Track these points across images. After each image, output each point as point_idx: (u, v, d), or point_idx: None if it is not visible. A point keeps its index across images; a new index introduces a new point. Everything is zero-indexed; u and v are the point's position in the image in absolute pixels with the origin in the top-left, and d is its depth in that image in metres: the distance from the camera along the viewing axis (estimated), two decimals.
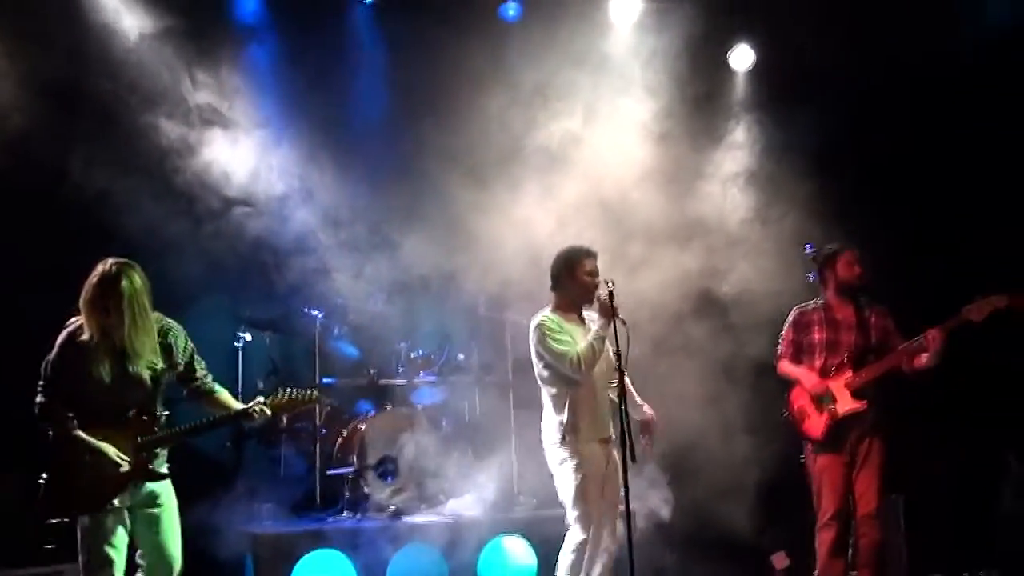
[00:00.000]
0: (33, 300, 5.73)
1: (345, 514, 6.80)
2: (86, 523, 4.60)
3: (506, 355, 7.59)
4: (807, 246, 6.18)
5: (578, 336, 5.32)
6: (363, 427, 7.06)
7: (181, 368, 4.83)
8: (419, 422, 7.13)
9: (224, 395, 4.97)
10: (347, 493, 6.90)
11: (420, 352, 7.56)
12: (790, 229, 7.22)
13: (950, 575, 6.18)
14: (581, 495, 5.23)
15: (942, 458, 7.19)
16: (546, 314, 5.40)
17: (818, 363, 5.88)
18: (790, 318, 6.07)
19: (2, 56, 6.21)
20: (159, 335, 4.75)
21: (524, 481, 7.14)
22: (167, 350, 4.77)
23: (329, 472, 7.04)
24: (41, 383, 4.62)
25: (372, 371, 7.41)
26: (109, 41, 6.51)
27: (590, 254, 5.42)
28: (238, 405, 4.93)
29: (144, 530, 4.72)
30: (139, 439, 4.68)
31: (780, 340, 6.10)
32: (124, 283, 4.57)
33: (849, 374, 5.79)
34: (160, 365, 4.74)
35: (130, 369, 4.66)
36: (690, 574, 6.95)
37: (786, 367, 6.01)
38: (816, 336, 5.92)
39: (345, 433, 7.21)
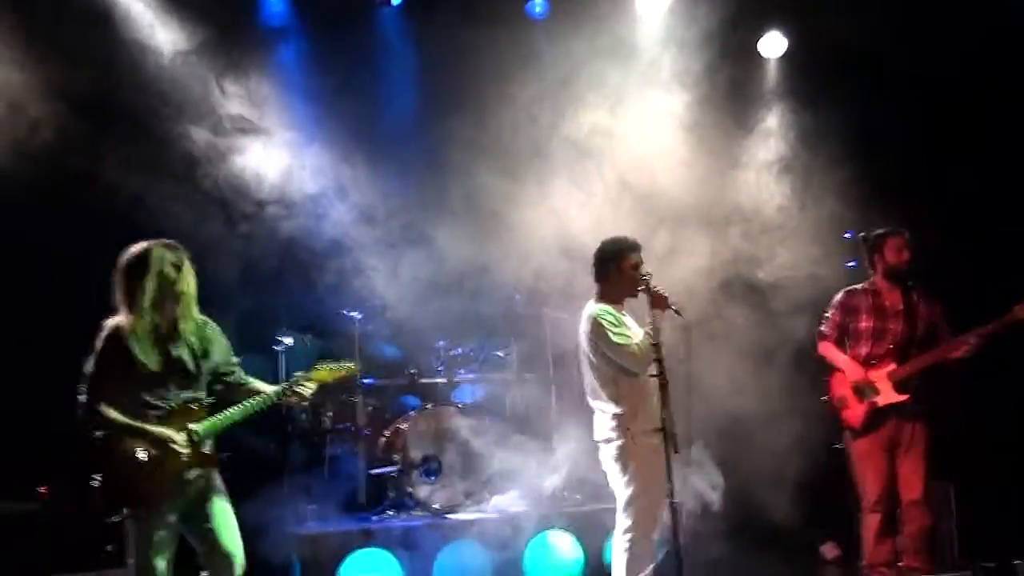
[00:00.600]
0: (71, 310, 5.80)
1: (390, 513, 6.84)
2: (136, 527, 4.61)
3: (546, 350, 7.59)
4: (846, 233, 6.12)
5: (633, 328, 5.30)
6: (405, 427, 7.09)
7: (219, 360, 4.84)
8: (460, 420, 7.14)
9: (259, 383, 4.99)
10: (391, 492, 6.96)
11: (459, 350, 7.59)
12: (827, 215, 7.16)
13: (1001, 562, 6.06)
14: (643, 490, 5.17)
15: (993, 444, 7.09)
16: (602, 306, 5.33)
17: (863, 351, 5.84)
18: (837, 299, 5.99)
19: (41, 71, 6.30)
20: (198, 327, 4.80)
21: (568, 476, 7.13)
22: (205, 341, 4.79)
23: (373, 472, 7.09)
24: (83, 385, 4.59)
25: (412, 371, 7.44)
26: (143, 56, 6.61)
27: (636, 246, 5.38)
28: (276, 388, 4.94)
29: (199, 529, 4.70)
30: (189, 428, 4.69)
31: (824, 320, 6.02)
32: (167, 261, 4.63)
33: (893, 366, 5.74)
34: (201, 348, 4.76)
35: (174, 353, 4.67)
36: (739, 566, 6.90)
37: (830, 351, 5.95)
38: (863, 323, 5.87)
39: (387, 433, 7.26)
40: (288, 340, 7.40)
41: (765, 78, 8.11)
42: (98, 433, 4.57)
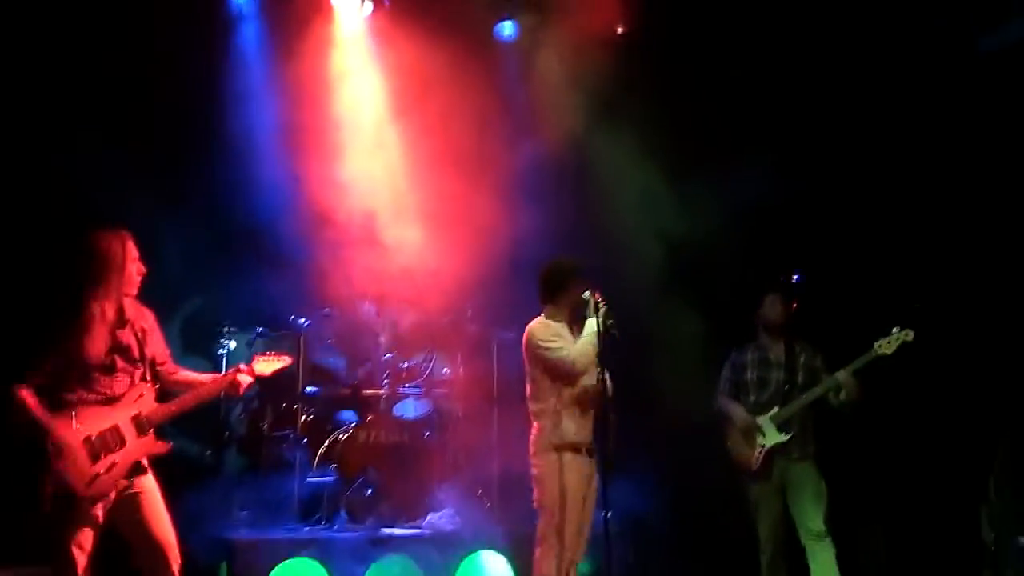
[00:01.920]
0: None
1: (323, 524, 6.76)
2: (59, 517, 4.50)
3: (492, 370, 7.59)
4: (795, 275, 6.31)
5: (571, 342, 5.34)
6: (344, 438, 7.03)
7: (156, 350, 4.82)
8: (400, 434, 7.10)
9: (195, 374, 4.99)
10: (326, 503, 6.86)
11: (405, 363, 7.56)
12: None
13: None
14: (560, 506, 5.19)
15: (921, 486, 7.22)
16: (540, 320, 5.42)
17: (750, 399, 6.23)
18: (728, 359, 6.42)
19: None
20: (141, 315, 4.79)
21: (505, 497, 7.11)
22: (148, 330, 4.79)
23: (308, 481, 7.00)
24: (31, 369, 4.51)
25: (356, 381, 7.39)
26: None
27: (581, 268, 5.44)
28: (210, 377, 4.97)
29: (130, 522, 4.64)
30: (140, 414, 4.66)
31: (719, 381, 6.41)
32: (117, 248, 4.65)
33: (776, 408, 6.11)
34: (143, 336, 4.74)
35: (122, 340, 4.65)
36: None
37: (722, 402, 6.34)
38: (749, 376, 6.28)
39: (326, 443, 7.18)
40: (232, 344, 7.32)
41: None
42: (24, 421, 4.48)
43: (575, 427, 5.24)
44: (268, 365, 5.11)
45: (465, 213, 6.86)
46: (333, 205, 6.97)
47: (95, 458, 4.55)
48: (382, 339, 7.58)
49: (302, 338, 7.19)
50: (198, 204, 6.95)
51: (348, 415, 7.55)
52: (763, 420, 6.11)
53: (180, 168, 6.88)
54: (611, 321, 5.19)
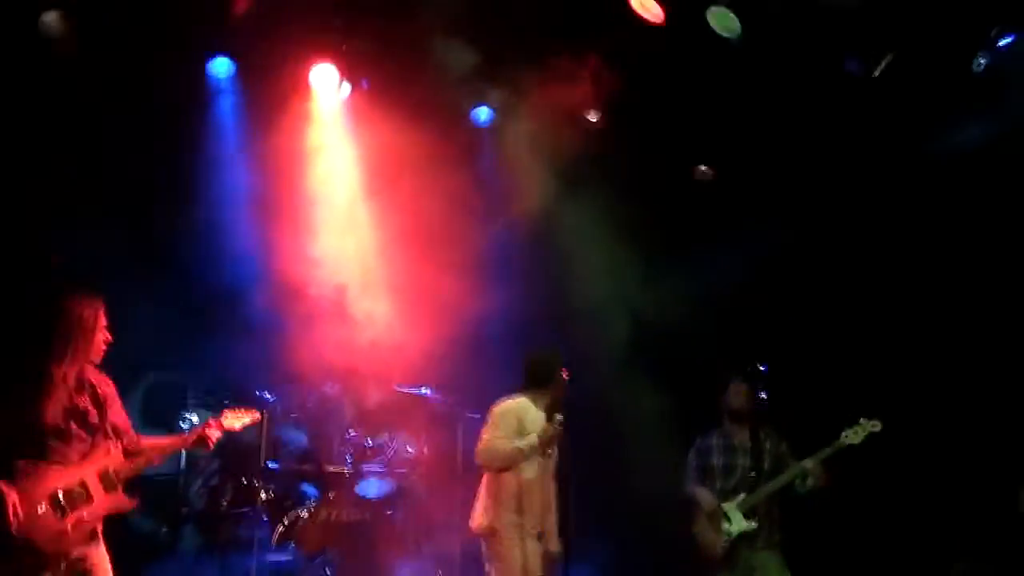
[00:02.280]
0: None
1: None
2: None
3: (456, 448, 7.54)
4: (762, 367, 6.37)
5: (539, 422, 5.45)
6: (305, 515, 6.93)
7: (116, 420, 4.77)
8: (362, 512, 7.00)
9: (156, 439, 5.00)
10: None
11: (369, 441, 7.48)
12: None
13: None
14: None
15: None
16: (520, 401, 5.54)
17: (717, 486, 6.24)
18: (694, 445, 6.44)
19: None
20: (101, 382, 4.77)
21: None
22: (108, 396, 4.76)
23: (268, 559, 6.86)
24: None
25: (319, 458, 7.30)
26: None
27: (563, 358, 5.64)
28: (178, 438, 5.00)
29: None
30: (107, 469, 4.63)
31: (686, 468, 6.40)
32: (87, 314, 4.64)
33: (742, 495, 6.11)
34: (107, 397, 4.73)
35: (79, 405, 4.61)
36: None
37: (690, 488, 6.34)
38: (714, 461, 6.29)
39: (286, 520, 7.06)
40: (194, 417, 7.25)
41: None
42: None
43: (520, 512, 5.37)
44: (237, 419, 5.16)
45: (433, 290, 6.92)
46: (303, 278, 6.98)
47: (62, 514, 4.47)
48: (347, 416, 7.52)
49: (266, 412, 7.10)
50: (165, 273, 6.93)
51: (310, 492, 7.44)
52: (729, 507, 6.11)
53: (151, 236, 6.87)
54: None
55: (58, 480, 4.50)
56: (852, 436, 5.90)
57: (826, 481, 5.99)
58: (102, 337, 4.72)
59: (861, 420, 5.92)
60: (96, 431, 4.67)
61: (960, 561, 6.56)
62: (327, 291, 7.09)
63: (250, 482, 7.22)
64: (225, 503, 7.25)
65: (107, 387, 4.79)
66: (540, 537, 5.40)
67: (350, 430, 7.46)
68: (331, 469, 7.32)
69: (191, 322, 7.06)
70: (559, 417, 5.38)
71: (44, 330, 4.62)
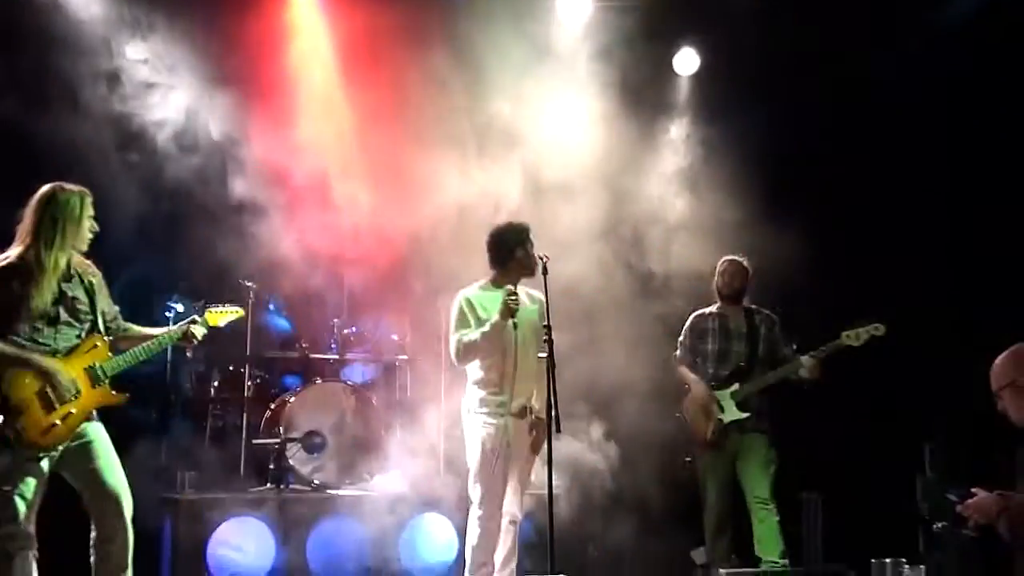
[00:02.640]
0: None
1: (269, 485, 6.77)
2: (10, 459, 4.51)
3: (440, 334, 7.62)
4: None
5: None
6: (291, 400, 7.04)
7: (104, 307, 4.85)
8: (348, 398, 7.12)
9: (144, 329, 5.05)
10: (272, 465, 6.87)
11: (354, 329, 7.57)
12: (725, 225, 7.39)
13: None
14: (481, 468, 5.40)
15: (858, 456, 7.39)
16: (466, 292, 5.53)
17: (710, 371, 6.24)
18: (688, 323, 6.40)
19: None
20: (90, 271, 4.83)
21: (452, 462, 7.16)
22: (96, 285, 4.83)
23: (255, 443, 7.01)
24: None
25: (304, 345, 7.39)
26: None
27: (526, 231, 5.53)
28: (172, 328, 5.05)
29: (82, 469, 4.67)
30: (94, 365, 4.70)
31: (679, 345, 6.39)
32: (75, 202, 4.67)
33: (736, 385, 6.14)
34: (94, 285, 4.78)
35: (70, 292, 4.68)
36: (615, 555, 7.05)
37: (682, 372, 6.34)
38: (709, 345, 6.27)
39: (273, 406, 7.19)
40: (179, 307, 7.28)
41: (677, 93, 8.32)
42: None
43: (502, 390, 5.38)
44: (221, 316, 5.21)
45: (414, 171, 6.86)
46: (284, 163, 6.89)
47: (49, 409, 4.56)
48: (330, 303, 7.59)
49: (251, 302, 7.15)
50: (146, 164, 6.87)
51: (295, 379, 7.56)
52: (723, 396, 6.14)
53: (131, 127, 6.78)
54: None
55: (28, 366, 4.56)
56: (852, 338, 5.88)
57: (820, 377, 6.01)
58: (89, 225, 4.76)
59: (863, 322, 5.87)
60: (85, 320, 4.75)
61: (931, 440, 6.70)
62: (308, 177, 6.99)
63: (236, 370, 7.33)
64: (212, 390, 7.36)
65: (94, 276, 4.85)
66: (524, 413, 5.40)
67: (335, 318, 7.53)
68: (316, 356, 7.42)
69: (172, 213, 7.01)
70: (508, 288, 5.31)
71: (35, 218, 4.65)
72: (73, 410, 4.63)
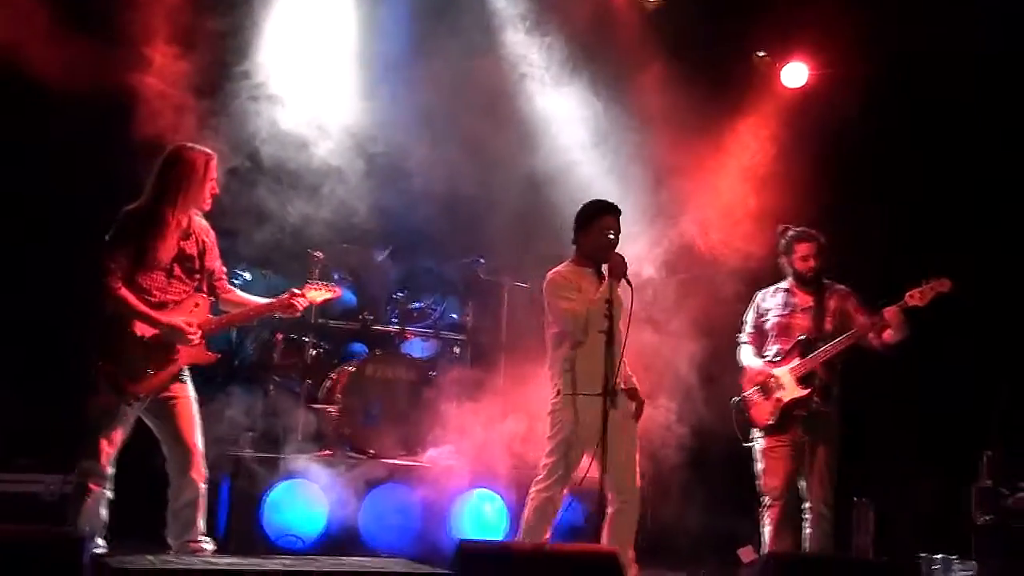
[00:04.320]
0: None
1: (326, 451, 6.90)
2: (106, 403, 4.74)
3: (501, 318, 7.71)
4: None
5: (591, 291, 5.35)
6: (351, 370, 7.17)
7: (214, 266, 5.11)
8: (407, 371, 7.22)
9: (247, 295, 5.31)
10: (329, 432, 7.01)
11: (417, 304, 7.67)
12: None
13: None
14: (555, 447, 5.37)
15: (912, 464, 7.32)
16: (558, 268, 5.47)
17: (772, 348, 5.97)
18: (753, 300, 6.17)
19: None
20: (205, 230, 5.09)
21: (507, 441, 7.20)
22: (209, 244, 5.09)
23: (313, 407, 7.15)
24: (109, 264, 4.72)
25: (366, 316, 7.50)
26: None
27: (610, 209, 5.47)
28: (272, 299, 5.25)
29: (168, 422, 4.90)
30: (196, 322, 4.93)
31: (742, 324, 6.20)
32: (202, 162, 4.91)
33: (796, 360, 5.84)
34: (206, 245, 5.03)
35: (186, 249, 4.91)
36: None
37: (742, 353, 6.11)
38: (772, 321, 6.02)
39: (334, 375, 7.33)
40: (247, 275, 7.44)
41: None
42: (115, 314, 4.75)
43: (584, 373, 5.30)
44: (320, 294, 5.40)
45: (489, 149, 6.91)
46: (363, 132, 6.97)
47: (147, 360, 4.77)
48: (394, 277, 7.69)
49: (317, 271, 7.28)
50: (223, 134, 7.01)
51: (356, 349, 7.69)
52: (782, 373, 5.85)
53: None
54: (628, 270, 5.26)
55: (155, 326, 4.80)
56: (917, 297, 5.54)
57: (905, 332, 5.59)
58: (210, 187, 4.97)
59: (927, 280, 5.56)
60: (194, 278, 4.98)
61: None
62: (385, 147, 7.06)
63: (299, 337, 7.47)
64: (275, 356, 7.50)
65: (208, 236, 5.09)
66: (610, 398, 5.21)
67: (397, 292, 7.64)
68: (377, 328, 7.53)
69: (244, 181, 7.15)
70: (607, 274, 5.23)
71: (161, 175, 4.88)
72: (169, 364, 4.82)
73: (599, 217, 5.42)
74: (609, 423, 5.14)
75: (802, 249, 5.95)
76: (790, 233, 6.05)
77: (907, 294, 5.60)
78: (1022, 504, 4.11)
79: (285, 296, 5.20)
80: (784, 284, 6.09)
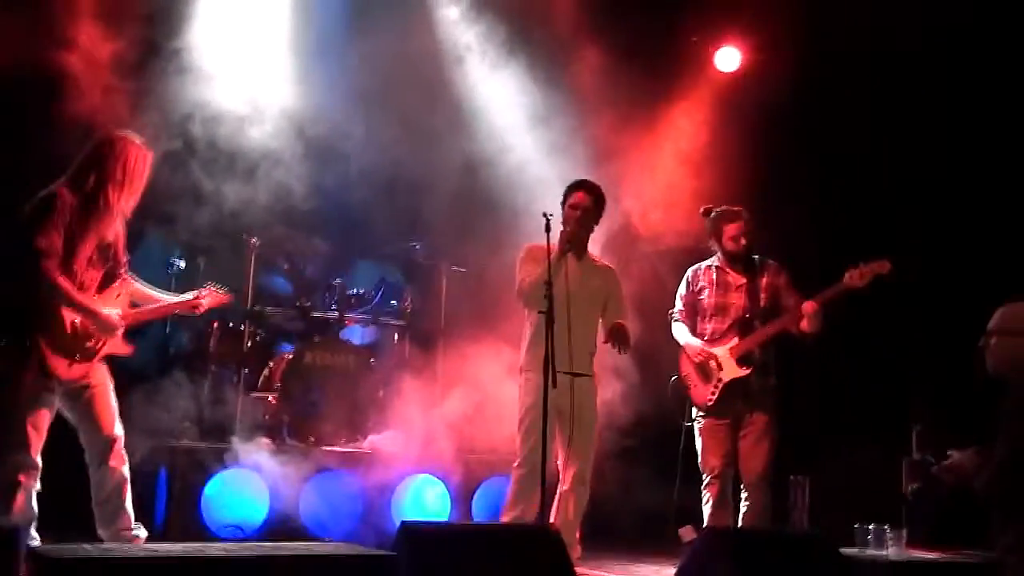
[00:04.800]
0: None
1: (265, 440, 6.81)
2: (29, 388, 4.60)
3: (440, 303, 7.69)
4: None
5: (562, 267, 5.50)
6: (290, 357, 7.09)
7: (125, 258, 4.97)
8: (346, 357, 7.16)
9: (147, 286, 5.19)
10: (268, 420, 6.93)
11: (356, 290, 7.60)
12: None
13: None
14: (521, 425, 5.54)
15: (847, 438, 7.46)
16: (537, 242, 5.53)
17: (708, 327, 5.97)
18: (685, 278, 6.13)
19: None
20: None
21: (448, 427, 7.18)
22: (118, 234, 4.94)
23: (252, 395, 7.06)
24: (46, 247, 4.55)
25: (304, 303, 7.42)
26: None
27: (579, 186, 5.69)
28: (174, 296, 5.21)
29: (84, 408, 4.80)
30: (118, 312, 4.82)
31: (676, 301, 6.15)
32: (134, 151, 4.83)
33: (735, 340, 5.85)
34: (119, 237, 4.90)
35: (108, 237, 4.78)
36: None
37: (678, 331, 6.09)
38: (706, 300, 6.00)
39: (271, 363, 7.24)
40: (181, 263, 7.31)
41: None
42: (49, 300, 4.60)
43: (534, 347, 5.45)
44: (216, 298, 5.35)
45: (425, 133, 6.89)
46: (299, 115, 6.88)
47: (73, 346, 4.67)
48: (331, 263, 7.62)
49: (252, 257, 7.19)
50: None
51: (294, 336, 7.60)
52: (721, 352, 5.84)
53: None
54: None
55: (91, 318, 4.71)
56: (856, 278, 5.54)
57: (820, 326, 5.65)
58: (140, 185, 4.87)
59: (866, 261, 5.56)
60: (109, 265, 4.85)
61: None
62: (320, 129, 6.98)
63: (236, 326, 7.36)
64: (212, 345, 7.38)
65: (121, 224, 4.95)
66: (573, 377, 5.43)
67: (335, 278, 7.57)
68: (316, 315, 7.45)
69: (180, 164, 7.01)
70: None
71: (103, 161, 4.76)
72: (92, 352, 4.74)
73: (569, 193, 5.68)
74: (568, 403, 5.38)
75: (731, 230, 5.93)
76: (715, 213, 6.04)
77: (846, 274, 5.62)
78: (945, 473, 4.23)
79: (191, 297, 5.19)
80: (715, 262, 6.06)
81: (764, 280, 5.95)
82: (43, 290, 4.58)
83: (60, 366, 4.63)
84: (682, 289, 6.13)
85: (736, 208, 6.03)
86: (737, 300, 5.92)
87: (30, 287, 4.56)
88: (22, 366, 4.55)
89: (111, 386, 4.90)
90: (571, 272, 5.52)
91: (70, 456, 4.93)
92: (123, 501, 4.84)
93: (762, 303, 5.90)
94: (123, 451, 4.87)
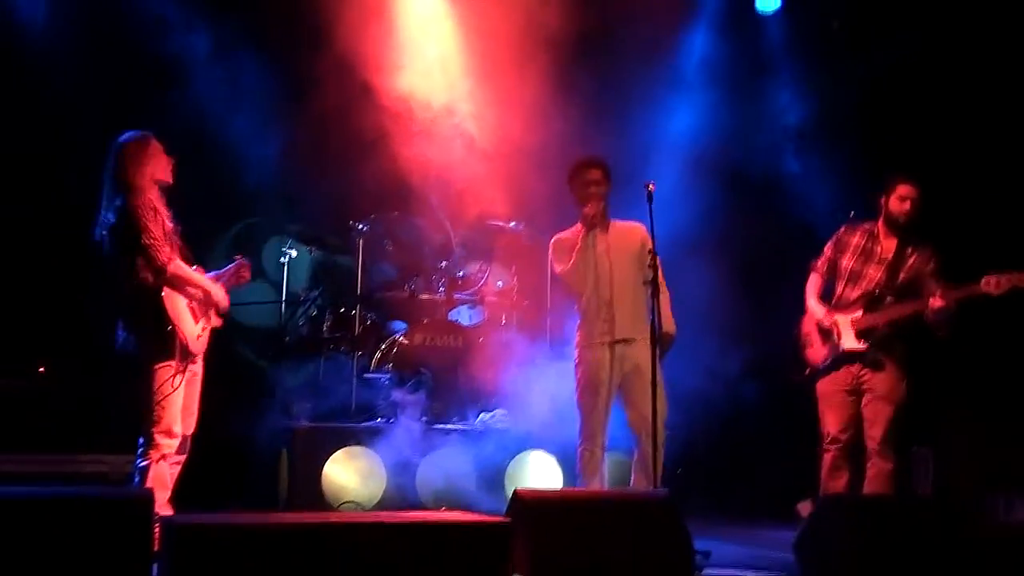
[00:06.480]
0: None
1: (379, 419, 6.97)
2: (167, 374, 4.87)
3: (545, 283, 7.70)
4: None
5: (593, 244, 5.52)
6: (401, 339, 7.23)
7: None
8: (455, 338, 7.27)
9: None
10: (382, 400, 7.08)
11: (462, 272, 7.69)
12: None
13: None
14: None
15: (973, 409, 7.23)
16: (561, 233, 5.67)
17: (839, 291, 5.81)
18: (836, 233, 5.92)
19: None
20: None
21: (556, 404, 7.23)
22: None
23: (366, 377, 7.23)
24: (148, 251, 4.84)
25: (412, 286, 7.54)
26: None
27: (590, 164, 5.60)
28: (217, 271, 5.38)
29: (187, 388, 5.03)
30: None
31: (820, 253, 5.96)
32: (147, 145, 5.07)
33: (859, 312, 5.67)
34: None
35: (171, 225, 5.07)
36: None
37: (808, 287, 5.94)
38: (845, 262, 5.80)
39: (383, 346, 7.39)
40: (293, 252, 7.52)
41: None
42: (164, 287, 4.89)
43: (597, 321, 5.50)
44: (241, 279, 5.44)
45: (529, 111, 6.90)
46: (402, 97, 6.97)
47: (195, 319, 5.01)
48: (438, 246, 7.72)
49: (361, 243, 7.34)
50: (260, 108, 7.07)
51: (404, 319, 7.73)
52: (843, 322, 5.67)
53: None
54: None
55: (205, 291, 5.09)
56: (992, 284, 5.26)
57: (947, 319, 5.42)
58: (155, 170, 5.04)
59: (1006, 272, 5.26)
60: (186, 250, 5.13)
61: None
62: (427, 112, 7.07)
63: (348, 311, 7.54)
64: (325, 329, 7.58)
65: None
66: (620, 344, 5.46)
67: (441, 261, 7.67)
68: (424, 298, 7.57)
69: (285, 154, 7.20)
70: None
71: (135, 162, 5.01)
72: (207, 325, 5.08)
73: (583, 172, 5.58)
74: (619, 372, 5.42)
75: (903, 189, 5.66)
76: (892, 174, 5.78)
77: (983, 279, 5.35)
78: None
79: (233, 266, 5.34)
80: (869, 226, 5.83)
81: (911, 261, 5.69)
82: (164, 279, 4.86)
83: (192, 342, 4.94)
84: (829, 244, 5.93)
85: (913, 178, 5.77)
86: (874, 273, 5.72)
87: (145, 284, 4.86)
88: (167, 349, 4.84)
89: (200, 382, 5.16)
90: (602, 245, 5.54)
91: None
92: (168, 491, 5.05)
93: (899, 282, 5.67)
94: (188, 446, 5.11)
